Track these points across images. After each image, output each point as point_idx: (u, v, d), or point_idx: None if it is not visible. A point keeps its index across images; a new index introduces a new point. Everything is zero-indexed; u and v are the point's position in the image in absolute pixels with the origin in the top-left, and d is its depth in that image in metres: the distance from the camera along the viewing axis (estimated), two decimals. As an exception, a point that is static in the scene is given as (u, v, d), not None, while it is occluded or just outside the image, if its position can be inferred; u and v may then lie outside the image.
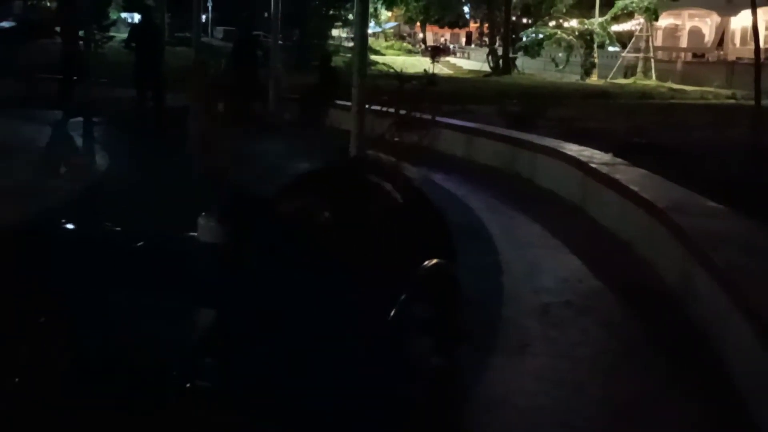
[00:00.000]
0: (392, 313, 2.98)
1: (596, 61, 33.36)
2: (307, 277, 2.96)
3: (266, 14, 26.15)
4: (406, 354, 3.15)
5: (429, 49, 41.76)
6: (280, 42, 13.05)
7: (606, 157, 7.17)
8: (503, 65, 34.63)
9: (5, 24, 30.51)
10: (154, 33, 11.00)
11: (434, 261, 3.18)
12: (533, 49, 36.20)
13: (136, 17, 39.66)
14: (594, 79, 31.56)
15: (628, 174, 6.23)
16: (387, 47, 45.47)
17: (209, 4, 36.50)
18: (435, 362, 3.23)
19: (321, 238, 3.08)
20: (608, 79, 30.97)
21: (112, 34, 29.99)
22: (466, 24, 53.47)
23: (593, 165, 6.65)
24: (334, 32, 33.75)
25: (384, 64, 23.74)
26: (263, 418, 2.69)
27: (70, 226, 3.89)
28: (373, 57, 25.79)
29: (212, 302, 3.15)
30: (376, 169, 3.67)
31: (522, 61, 36.61)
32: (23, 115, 10.55)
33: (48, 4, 37.97)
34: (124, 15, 38.45)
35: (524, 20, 41.14)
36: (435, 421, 3.00)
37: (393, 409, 2.81)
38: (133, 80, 10.72)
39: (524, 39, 37.73)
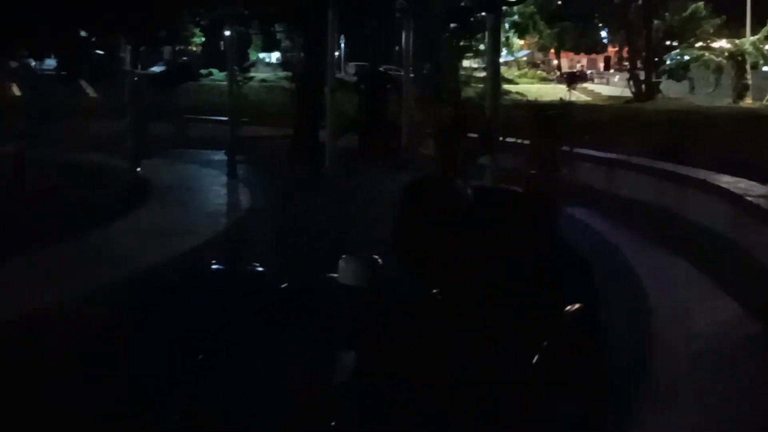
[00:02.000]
0: (534, 360, 2.89)
1: (749, 82, 31.52)
2: (453, 317, 2.93)
3: (396, 48, 26.63)
4: (547, 402, 3.03)
5: (564, 76, 40.94)
6: (410, 75, 13.15)
7: (764, 189, 6.68)
8: (646, 90, 33.32)
9: (156, 69, 32.70)
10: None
11: (577, 305, 3.05)
12: (678, 73, 34.59)
13: (274, 57, 41.48)
14: (748, 102, 29.82)
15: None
16: (520, 76, 44.99)
17: (341, 41, 37.64)
18: (577, 412, 3.10)
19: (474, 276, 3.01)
20: (764, 102, 29.17)
21: (252, 74, 31.47)
22: (603, 49, 52.00)
23: (749, 198, 6.21)
24: (465, 63, 33.79)
25: (517, 93, 23.48)
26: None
27: (217, 267, 4.03)
28: (506, 86, 25.54)
29: (352, 344, 3.15)
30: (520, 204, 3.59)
31: (666, 86, 35.06)
32: (174, 155, 11.16)
33: (194, 49, 40.38)
34: (262, 55, 40.24)
35: (667, 42, 39.51)
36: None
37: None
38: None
39: (668, 62, 36.26)
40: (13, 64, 24.06)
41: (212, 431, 2.90)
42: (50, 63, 32.01)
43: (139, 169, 9.15)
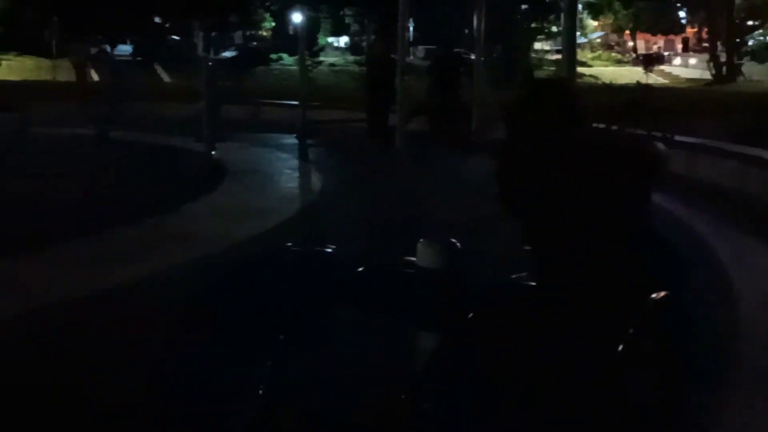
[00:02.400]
0: (620, 348, 2.83)
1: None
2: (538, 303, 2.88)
3: (466, 31, 26.36)
4: (633, 391, 2.97)
5: (640, 58, 39.75)
6: (482, 57, 12.99)
7: None
8: (727, 72, 32.11)
9: (228, 53, 33.22)
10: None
11: (663, 292, 2.97)
12: (761, 54, 33.22)
13: (343, 41, 41.59)
14: None
15: None
16: (593, 58, 43.84)
17: (410, 25, 37.48)
18: (663, 399, 3.02)
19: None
20: None
21: (321, 58, 31.66)
22: (681, 29, 50.17)
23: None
24: (537, 45, 33.19)
25: (591, 75, 22.92)
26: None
27: (296, 248, 4.08)
28: (579, 69, 25.00)
29: (432, 327, 3.14)
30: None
31: (748, 68, 33.70)
32: (246, 138, 11.32)
33: (264, 34, 40.84)
34: (331, 40, 40.42)
35: (749, 23, 37.92)
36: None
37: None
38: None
39: (750, 43, 34.88)
40: (92, 50, 24.75)
41: (293, 410, 2.94)
42: (125, 49, 32.88)
43: (214, 152, 9.32)
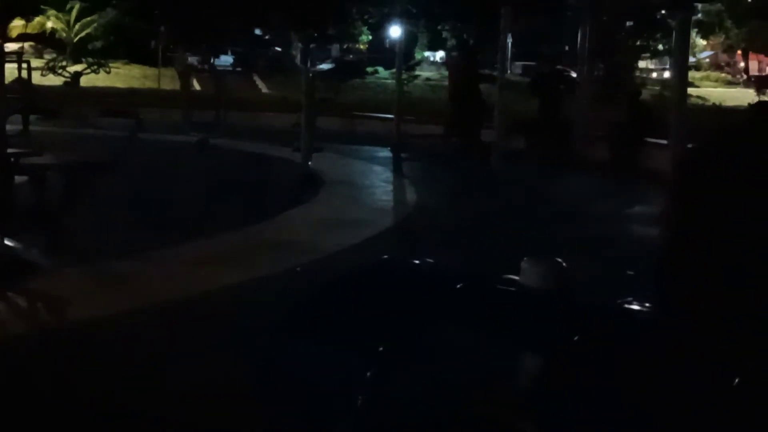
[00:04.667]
0: (735, 383, 2.65)
1: None
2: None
3: (567, 47, 25.89)
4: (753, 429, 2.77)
5: (752, 79, 38.05)
6: (585, 74, 12.72)
7: None
8: None
9: (325, 66, 33.77)
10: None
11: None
12: None
13: (438, 56, 41.69)
14: None
15: None
16: (702, 78, 42.26)
17: (509, 41, 37.06)
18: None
19: None
20: None
21: (417, 73, 31.74)
22: (801, 50, 47.76)
23: None
24: (641, 64, 32.30)
25: (698, 97, 22.05)
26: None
27: (398, 260, 4.04)
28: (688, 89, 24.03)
29: (537, 349, 3.03)
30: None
31: None
32: (342, 150, 11.43)
33: (361, 47, 41.36)
34: (427, 54, 40.55)
35: None
36: None
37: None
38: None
39: None
40: (196, 59, 25.62)
41: (391, 422, 2.88)
42: (226, 59, 33.91)
43: (310, 162, 9.43)
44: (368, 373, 2.91)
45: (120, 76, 28.07)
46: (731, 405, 2.75)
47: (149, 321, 3.98)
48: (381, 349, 3.05)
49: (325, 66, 34.20)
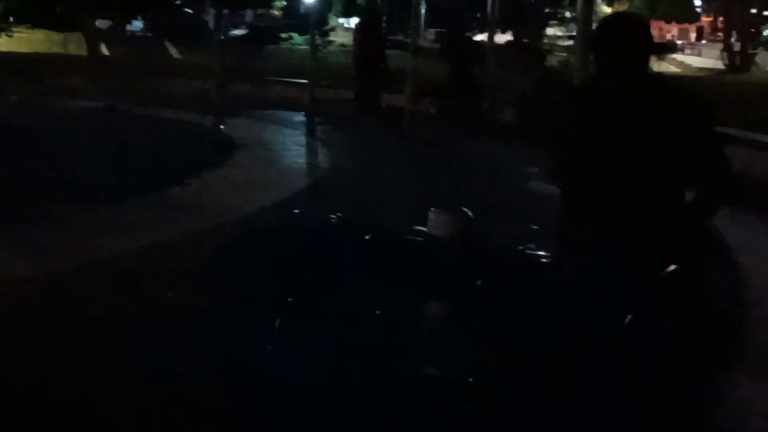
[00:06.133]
0: (628, 318, 2.84)
1: None
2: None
3: (478, 15, 26.23)
4: (642, 365, 2.98)
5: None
6: (493, 41, 12.98)
7: None
8: (741, 62, 31.92)
9: (239, 32, 33.17)
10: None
11: (675, 266, 2.95)
12: (777, 43, 32.93)
13: (353, 22, 41.48)
14: None
15: None
16: (606, 45, 43.43)
17: (422, 7, 37.18)
18: (671, 371, 3.04)
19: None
20: None
21: (331, 38, 31.54)
22: (696, 18, 49.70)
23: None
24: (549, 31, 33.01)
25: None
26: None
27: (307, 216, 4.12)
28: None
29: (442, 293, 3.17)
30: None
31: (762, 58, 33.47)
32: (256, 115, 11.33)
33: (275, 13, 40.73)
34: (341, 20, 40.27)
35: (765, 12, 37.51)
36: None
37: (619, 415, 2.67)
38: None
39: (765, 33, 34.55)
40: (103, 25, 24.74)
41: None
42: (136, 24, 32.82)
43: (222, 126, 9.33)
44: (276, 323, 2.99)
45: (23, 41, 26.80)
46: (624, 341, 2.95)
47: (53, 284, 3.91)
48: (289, 300, 3.14)
49: (238, 32, 33.58)
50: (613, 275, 2.86)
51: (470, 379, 2.80)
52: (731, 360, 3.50)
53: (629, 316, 2.84)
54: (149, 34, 30.66)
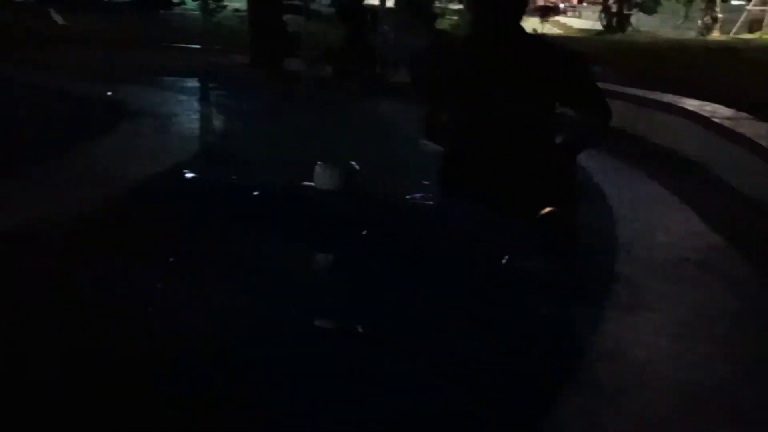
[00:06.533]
0: (504, 260, 2.99)
1: (718, 15, 31.51)
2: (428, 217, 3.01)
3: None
4: (519, 302, 3.15)
5: (537, 8, 40.52)
6: (386, 6, 13.08)
7: (729, 111, 6.83)
8: (617, 23, 33.25)
9: (128, -3, 31.92)
10: None
11: (550, 209, 3.11)
12: (649, 5, 34.50)
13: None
14: (715, 35, 29.85)
15: (754, 128, 5.93)
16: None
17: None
18: (548, 311, 3.22)
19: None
20: (731, 35, 29.22)
21: (225, 3, 30.80)
22: (577, -20, 51.24)
23: (716, 120, 6.36)
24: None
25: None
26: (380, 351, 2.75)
27: (191, 175, 4.11)
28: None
29: (328, 246, 3.24)
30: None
31: (637, 18, 35.05)
32: (147, 81, 11.04)
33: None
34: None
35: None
36: (548, 372, 2.98)
37: (505, 358, 2.82)
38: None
39: (639, -6, 35.97)
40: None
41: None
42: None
43: (109, 93, 9.06)
44: (158, 285, 3.00)
45: None
46: (501, 281, 3.11)
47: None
48: (171, 260, 3.14)
49: (127, -2, 32.33)
50: (491, 219, 2.99)
51: (359, 328, 2.89)
52: (604, 297, 3.74)
53: (506, 257, 2.99)
54: (32, 1, 29.05)
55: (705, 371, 3.08)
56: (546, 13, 31.21)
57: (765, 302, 3.80)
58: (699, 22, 31.23)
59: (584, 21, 39.19)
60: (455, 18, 18.11)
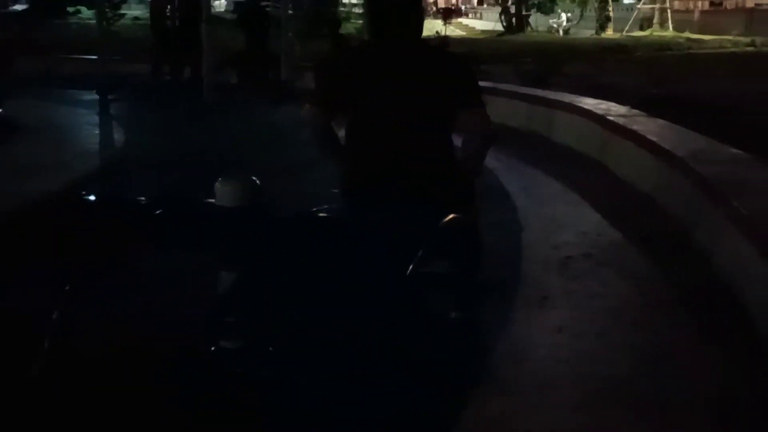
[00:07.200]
0: (410, 268, 2.99)
1: (611, 14, 32.81)
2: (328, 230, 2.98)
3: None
4: (425, 309, 3.15)
5: (440, 11, 41.25)
6: (290, 11, 12.98)
7: (623, 109, 7.09)
8: (516, 24, 34.21)
9: (19, 7, 30.65)
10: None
11: (453, 215, 3.14)
12: (546, 6, 35.67)
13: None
14: (609, 34, 31.08)
15: (646, 125, 6.17)
16: (394, 11, 44.73)
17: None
18: (454, 316, 3.24)
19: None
20: (624, 33, 30.49)
21: (123, 11, 29.98)
22: (478, -17, 52.51)
23: (610, 117, 6.59)
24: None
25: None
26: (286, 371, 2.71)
27: (91, 197, 3.95)
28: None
29: (232, 264, 3.16)
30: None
31: (535, 19, 36.18)
32: (42, 94, 10.61)
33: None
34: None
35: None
36: (455, 374, 3.01)
37: (409, 364, 2.82)
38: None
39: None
40: None
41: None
42: None
43: (1, 109, 8.64)
44: (55, 314, 2.86)
45: None
46: (408, 288, 3.10)
47: None
48: (67, 288, 3.00)
49: (18, 7, 31.04)
50: (394, 227, 2.99)
51: (270, 348, 2.83)
52: (511, 298, 3.81)
53: (411, 265, 2.99)
54: None
55: (608, 366, 3.17)
56: (448, 15, 31.84)
57: (664, 294, 3.94)
58: (595, 21, 32.53)
59: (486, 22, 40.22)
60: (360, 22, 18.20)
